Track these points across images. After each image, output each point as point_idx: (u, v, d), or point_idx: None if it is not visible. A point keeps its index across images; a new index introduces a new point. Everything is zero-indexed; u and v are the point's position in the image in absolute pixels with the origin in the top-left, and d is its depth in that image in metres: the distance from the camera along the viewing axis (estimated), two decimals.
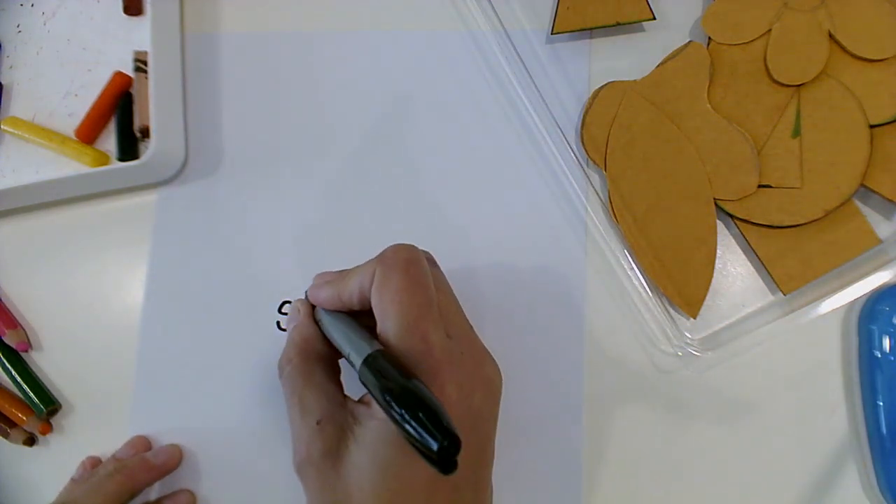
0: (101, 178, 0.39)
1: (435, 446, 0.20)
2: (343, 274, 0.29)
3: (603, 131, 0.37)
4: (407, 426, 0.21)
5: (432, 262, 0.30)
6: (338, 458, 0.25)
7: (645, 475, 0.35)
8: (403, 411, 0.22)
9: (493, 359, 0.29)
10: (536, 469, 0.35)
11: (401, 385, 0.23)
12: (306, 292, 0.31)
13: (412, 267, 0.27)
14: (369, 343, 0.26)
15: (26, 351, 0.40)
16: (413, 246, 0.28)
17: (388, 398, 0.22)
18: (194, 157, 0.41)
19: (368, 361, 0.24)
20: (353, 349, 0.26)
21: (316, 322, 0.30)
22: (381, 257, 0.27)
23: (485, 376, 0.28)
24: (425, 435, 0.21)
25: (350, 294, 0.28)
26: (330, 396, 0.28)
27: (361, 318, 0.29)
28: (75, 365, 0.39)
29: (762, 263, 0.35)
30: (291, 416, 0.28)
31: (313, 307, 0.31)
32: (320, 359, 0.29)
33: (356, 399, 0.28)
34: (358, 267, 0.28)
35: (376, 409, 0.26)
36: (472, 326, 0.29)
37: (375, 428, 0.25)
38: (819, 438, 0.34)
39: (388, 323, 0.26)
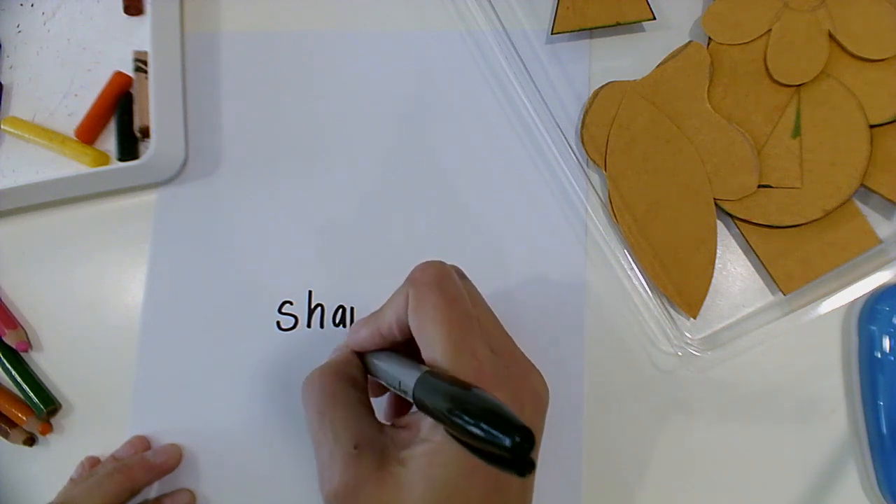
0: (101, 178, 0.39)
1: (508, 442, 0.20)
2: (378, 311, 0.28)
3: (603, 131, 0.37)
4: (475, 430, 0.21)
5: (462, 275, 0.29)
6: (380, 486, 0.24)
7: (645, 475, 0.35)
8: (470, 417, 0.21)
9: (537, 370, 0.28)
10: (537, 469, 0.35)
11: (462, 393, 0.22)
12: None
13: (444, 283, 0.26)
14: (418, 368, 0.25)
15: (26, 351, 0.40)
16: (441, 262, 0.27)
17: (452, 409, 0.22)
18: (194, 157, 0.41)
19: (421, 381, 0.24)
20: (404, 377, 0.25)
21: (363, 361, 0.29)
22: (411, 279, 0.26)
23: (532, 389, 0.27)
24: (497, 434, 0.20)
25: (389, 325, 0.27)
26: (365, 421, 0.26)
27: (407, 349, 0.28)
28: (75, 365, 0.39)
29: (762, 263, 0.35)
30: (319, 439, 0.26)
31: (361, 356, 0.30)
32: (353, 383, 0.28)
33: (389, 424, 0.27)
34: (390, 298, 0.28)
35: (427, 431, 0.25)
36: (512, 338, 0.28)
37: (427, 451, 0.24)
38: (819, 438, 0.34)
39: (433, 345, 0.25)
